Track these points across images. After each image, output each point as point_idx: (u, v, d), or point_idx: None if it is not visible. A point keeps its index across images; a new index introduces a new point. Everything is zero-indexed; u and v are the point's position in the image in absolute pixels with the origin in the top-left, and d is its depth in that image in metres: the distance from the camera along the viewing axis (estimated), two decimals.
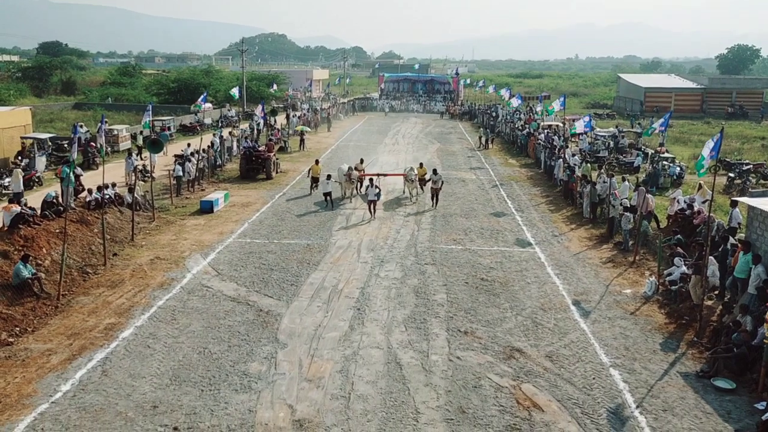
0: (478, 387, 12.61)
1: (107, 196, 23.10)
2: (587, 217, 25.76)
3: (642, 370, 13.42)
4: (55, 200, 21.56)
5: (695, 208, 21.18)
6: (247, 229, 23.69)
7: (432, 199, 27.92)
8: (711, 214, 17.51)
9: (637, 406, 12.03)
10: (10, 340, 14.16)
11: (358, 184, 29.51)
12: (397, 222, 25.21)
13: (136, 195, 24.42)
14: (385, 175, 30.86)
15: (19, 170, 27.20)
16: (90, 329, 14.85)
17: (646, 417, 11.68)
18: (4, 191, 26.41)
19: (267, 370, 13.13)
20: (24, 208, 19.62)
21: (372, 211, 25.62)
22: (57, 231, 19.24)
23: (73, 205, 22.02)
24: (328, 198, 27.26)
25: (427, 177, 29.05)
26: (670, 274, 17.52)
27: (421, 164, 30.91)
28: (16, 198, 21.37)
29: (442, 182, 28.66)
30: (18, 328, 14.69)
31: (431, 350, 14.14)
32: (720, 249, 17.42)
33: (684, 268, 17.10)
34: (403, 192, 30.20)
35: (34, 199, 22.77)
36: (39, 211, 20.66)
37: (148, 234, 22.82)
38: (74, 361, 13.27)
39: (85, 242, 20.01)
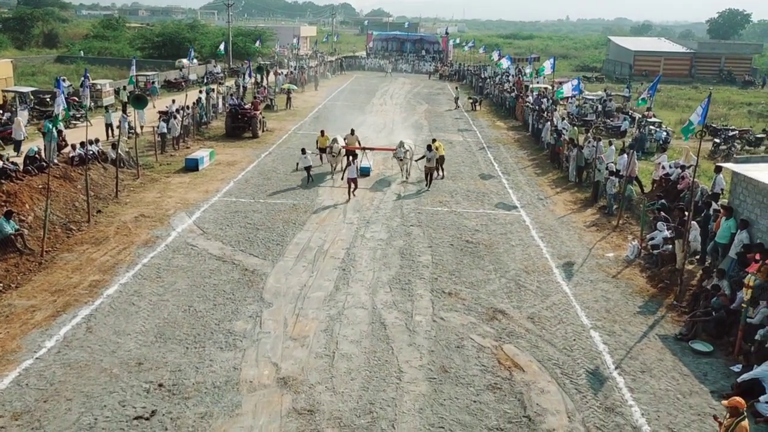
0: (461, 347, 12.78)
1: (91, 152, 22.83)
2: (573, 180, 25.86)
3: (622, 332, 13.66)
4: (37, 155, 21.27)
5: (682, 173, 21.29)
6: (233, 188, 23.57)
7: (426, 178, 24.84)
8: (695, 180, 17.64)
9: (616, 367, 12.27)
10: None
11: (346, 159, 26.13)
12: (383, 183, 25.17)
13: (119, 151, 24.15)
14: (371, 149, 27.19)
15: (20, 118, 27.13)
16: (74, 286, 14.82)
17: (624, 378, 11.92)
18: None
19: (252, 328, 13.22)
20: (6, 162, 19.35)
21: (350, 191, 22.78)
22: (40, 187, 19.03)
23: (56, 161, 21.75)
24: (309, 173, 24.98)
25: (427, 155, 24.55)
26: (652, 239, 17.70)
27: (434, 140, 26.73)
28: (16, 147, 21.31)
29: (442, 165, 25.91)
30: (1, 285, 14.63)
31: (415, 311, 14.28)
32: (702, 214, 17.59)
33: (666, 233, 17.29)
34: (402, 173, 26.08)
35: (16, 156, 22.45)
36: (21, 167, 20.40)
37: (133, 191, 22.65)
38: (59, 318, 13.28)
39: (68, 198, 19.83)
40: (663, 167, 23.08)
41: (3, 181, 18.50)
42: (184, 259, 16.70)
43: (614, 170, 22.21)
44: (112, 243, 17.58)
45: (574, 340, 13.27)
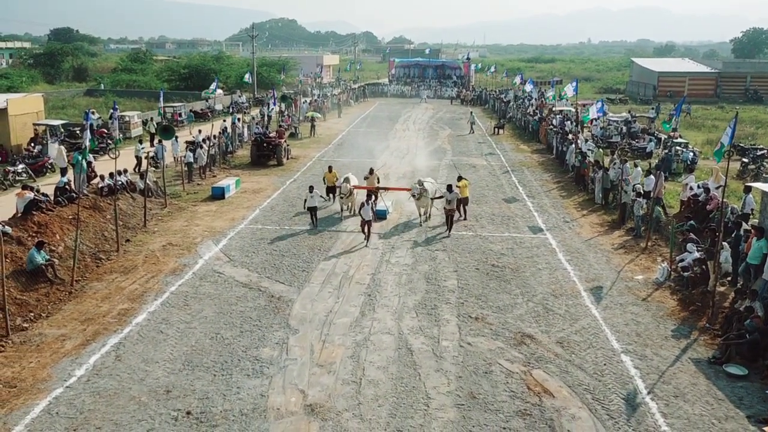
0: (489, 373, 12.64)
1: (119, 183, 23.21)
2: (599, 203, 25.63)
3: (653, 356, 13.39)
4: (67, 186, 21.69)
5: (710, 193, 20.99)
6: (259, 216, 23.76)
7: (447, 222, 21.99)
8: (724, 200, 17.37)
9: (649, 392, 12.02)
10: (25, 325, 14.32)
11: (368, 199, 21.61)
12: (407, 208, 25.18)
13: (147, 181, 24.53)
14: (385, 189, 24.55)
15: (63, 147, 28.08)
16: (103, 315, 14.99)
17: (657, 403, 11.67)
18: (17, 178, 26.61)
19: (279, 355, 13.22)
20: (37, 194, 19.75)
21: (366, 233, 20.52)
22: (70, 217, 19.37)
23: (85, 192, 22.14)
24: (314, 215, 22.37)
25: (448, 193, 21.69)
26: (682, 260, 17.41)
27: (459, 177, 24.30)
28: (62, 173, 21.93)
29: (464, 207, 23.39)
30: (32, 314, 14.85)
31: (442, 336, 14.18)
32: (733, 235, 17.28)
33: (697, 254, 17.01)
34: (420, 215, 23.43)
35: (47, 186, 22.92)
36: (52, 198, 20.80)
37: (161, 220, 22.94)
38: (88, 346, 13.41)
39: (98, 228, 20.14)
40: (691, 188, 22.79)
41: (34, 212, 18.85)
42: (211, 286, 16.81)
43: (640, 191, 22.00)
44: (141, 272, 17.77)
45: (605, 364, 13.05)
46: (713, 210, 20.35)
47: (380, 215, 23.11)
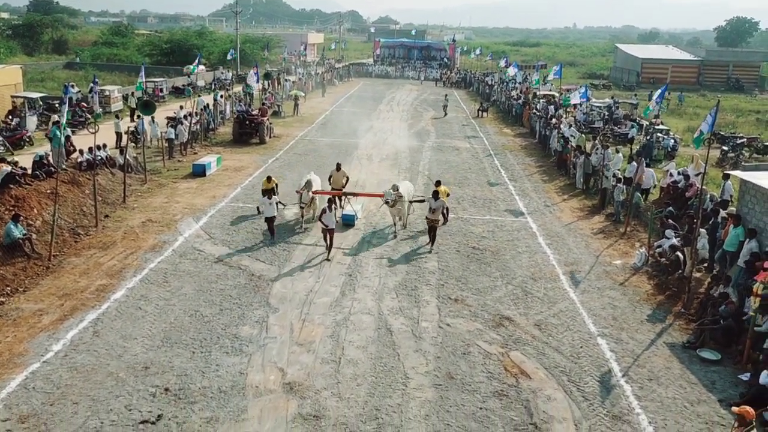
0: (467, 354, 12.74)
1: (99, 158, 22.93)
2: (580, 187, 25.80)
3: (629, 340, 13.58)
4: (45, 160, 21.38)
5: (688, 182, 21.22)
6: (240, 194, 23.62)
7: (429, 234, 18.80)
8: (703, 187, 17.56)
9: (623, 375, 12.21)
10: (1, 299, 14.17)
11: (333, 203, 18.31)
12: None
13: (127, 157, 24.25)
14: (354, 194, 21.03)
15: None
16: (81, 290, 14.87)
17: (631, 386, 11.86)
18: None
19: (258, 333, 13.22)
20: (14, 167, 19.46)
21: (327, 242, 17.56)
22: (48, 191, 19.12)
23: (64, 166, 21.85)
24: (271, 226, 18.82)
25: (426, 199, 19.57)
26: (660, 246, 17.63)
27: (438, 182, 20.44)
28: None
29: (445, 211, 20.24)
30: (9, 288, 14.69)
31: (421, 317, 14.25)
32: (710, 222, 17.51)
33: (674, 240, 17.21)
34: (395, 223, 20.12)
35: (25, 159, 22.57)
36: (30, 171, 20.51)
37: (140, 196, 22.72)
38: (65, 322, 13.31)
39: (76, 203, 19.92)
40: (671, 174, 23.01)
41: (11, 185, 18.58)
42: (191, 264, 16.73)
43: (621, 177, 22.16)
44: (120, 248, 17.63)
45: (581, 347, 13.21)
46: (692, 197, 20.57)
47: (346, 221, 20.31)
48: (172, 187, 24.15)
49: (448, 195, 20.48)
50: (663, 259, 17.03)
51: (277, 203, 19.01)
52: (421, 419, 10.60)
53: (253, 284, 15.61)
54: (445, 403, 11.07)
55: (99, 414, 10.33)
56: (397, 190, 19.20)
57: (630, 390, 11.72)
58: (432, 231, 18.64)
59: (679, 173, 22.71)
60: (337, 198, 20.24)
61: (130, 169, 24.21)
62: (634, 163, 22.26)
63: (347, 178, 21.64)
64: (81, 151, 23.57)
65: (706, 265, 17.13)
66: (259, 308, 14.38)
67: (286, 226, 19.96)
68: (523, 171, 29.64)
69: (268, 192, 19.53)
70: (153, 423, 10.18)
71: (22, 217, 16.85)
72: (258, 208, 19.02)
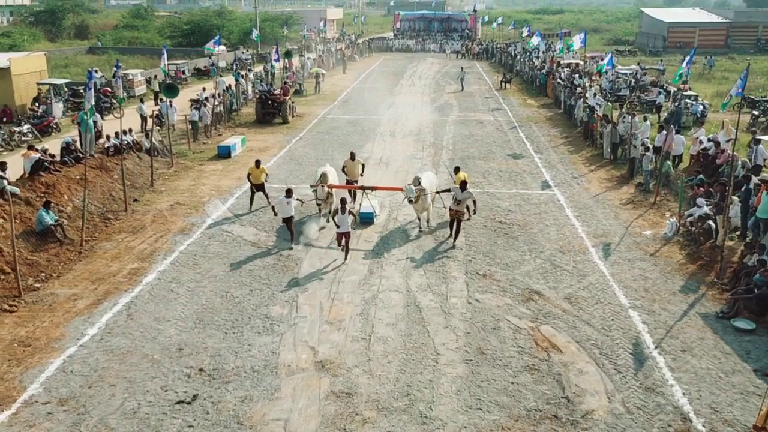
0: (497, 329, 12.73)
1: (125, 142, 23.13)
2: (607, 157, 25.44)
3: (661, 311, 13.45)
4: (72, 146, 21.61)
5: (717, 149, 20.77)
6: None
7: (450, 228, 17.37)
8: (734, 153, 17.19)
9: (656, 347, 12.11)
10: (37, 285, 14.46)
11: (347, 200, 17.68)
12: (414, 165, 25.05)
13: (153, 141, 24.44)
14: (372, 188, 18.89)
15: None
16: (114, 274, 15.11)
17: (664, 357, 11.76)
18: (23, 138, 26.54)
19: (288, 313, 13.34)
20: (43, 154, 19.72)
21: (344, 247, 15.82)
22: (77, 177, 19.37)
23: (92, 152, 22.09)
24: (291, 227, 16.85)
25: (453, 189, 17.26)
26: (691, 215, 17.35)
27: (457, 168, 19.32)
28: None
29: (473, 204, 17.88)
30: (43, 274, 14.98)
31: (450, 293, 14.25)
32: (743, 189, 17.16)
33: (706, 209, 16.92)
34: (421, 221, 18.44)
35: (53, 145, 22.85)
36: (58, 158, 20.77)
37: (167, 180, 22.93)
38: (100, 306, 13.56)
39: (105, 188, 20.17)
40: (700, 141, 22.56)
41: (41, 173, 18.85)
42: (220, 245, 16.88)
43: (649, 146, 21.79)
44: (149, 231, 17.85)
45: (613, 320, 13.12)
46: (723, 164, 20.17)
47: (365, 218, 18.43)
48: (198, 170, 24.31)
49: (467, 182, 17.82)
50: (694, 229, 16.77)
51: (297, 200, 16.98)
52: (453, 395, 10.65)
53: (282, 264, 15.71)
54: (476, 379, 11.10)
55: (136, 395, 10.55)
56: (419, 183, 17.28)
57: (663, 362, 11.63)
58: (456, 224, 17.01)
59: (708, 140, 22.25)
60: (352, 193, 19.40)
61: (156, 153, 24.40)
62: (663, 131, 21.86)
63: (363, 167, 20.02)
64: (108, 137, 23.79)
65: (738, 233, 16.82)
66: (289, 288, 14.48)
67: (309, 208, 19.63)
68: (548, 142, 29.29)
69: (259, 184, 19.01)
70: (189, 403, 10.36)
71: (52, 204, 17.10)
72: (273, 208, 17.09)
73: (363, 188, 18.85)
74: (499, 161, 25.80)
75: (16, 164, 19.47)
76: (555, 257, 16.23)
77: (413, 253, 16.45)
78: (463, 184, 16.93)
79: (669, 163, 21.39)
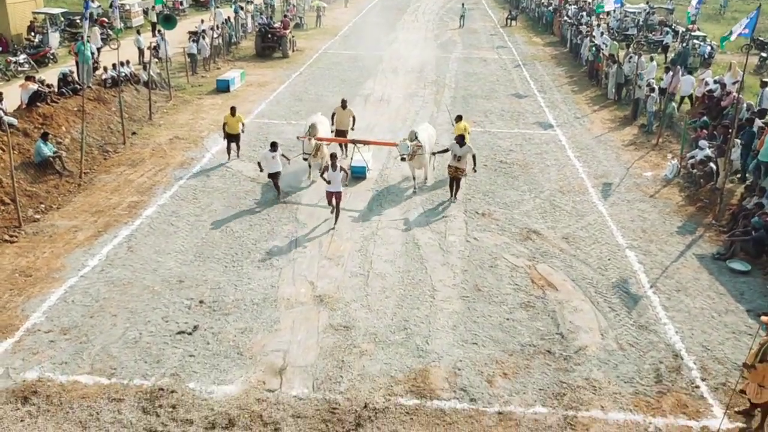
0: (494, 267, 12.84)
1: (123, 74, 22.78)
2: (612, 98, 25.15)
3: (658, 252, 13.54)
4: (69, 78, 21.28)
5: (723, 90, 20.49)
6: (265, 110, 23.46)
7: (451, 187, 15.99)
8: (740, 95, 16.99)
9: (651, 287, 12.24)
10: (37, 216, 14.50)
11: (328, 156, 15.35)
12: (416, 103, 24.78)
13: (151, 73, 24.07)
14: (363, 143, 17.42)
15: (96, 27, 27.50)
16: (113, 207, 15.13)
17: (659, 297, 11.90)
18: (19, 68, 26.13)
19: (288, 248, 13.42)
20: (41, 85, 19.44)
21: (334, 208, 14.39)
22: (75, 109, 19.16)
23: (89, 84, 21.78)
24: (277, 183, 15.67)
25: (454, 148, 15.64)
26: (692, 157, 17.26)
27: (459, 117, 17.64)
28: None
29: (473, 160, 15.96)
30: (43, 205, 15.00)
31: (448, 231, 14.30)
32: (746, 131, 17.01)
33: (708, 151, 16.83)
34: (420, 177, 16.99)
35: (50, 76, 22.51)
36: (56, 89, 20.49)
37: (166, 113, 22.71)
38: (100, 238, 13.63)
39: (103, 121, 19.98)
40: (706, 83, 22.24)
41: (39, 104, 18.63)
42: (220, 180, 16.85)
43: (654, 87, 21.49)
44: (148, 165, 17.78)
45: (609, 259, 13.21)
46: (728, 106, 19.94)
47: (357, 173, 16.99)
48: (197, 104, 24.05)
49: (469, 133, 17.29)
50: (695, 171, 16.72)
51: (282, 156, 15.65)
52: (449, 329, 10.81)
53: (281, 200, 15.71)
54: (472, 315, 11.25)
55: (137, 326, 10.71)
56: (416, 138, 15.77)
57: (657, 301, 11.78)
58: (455, 182, 15.74)
59: (715, 82, 21.93)
60: (343, 146, 18.19)
61: (154, 86, 24.07)
62: (670, 72, 21.53)
63: (354, 118, 18.20)
64: (105, 68, 23.41)
65: (739, 176, 16.78)
66: (288, 224, 14.52)
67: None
68: (552, 82, 28.88)
69: (234, 134, 17.77)
70: (189, 334, 10.53)
71: (50, 135, 16.98)
72: (259, 163, 15.57)
73: (354, 142, 17.42)
74: (502, 100, 25.50)
75: (13, 95, 19.21)
76: (554, 197, 16.23)
77: (411, 199, 16.42)
78: (461, 139, 15.47)
79: (674, 104, 21.16)
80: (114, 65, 22.60)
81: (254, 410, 8.88)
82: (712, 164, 16.25)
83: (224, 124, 17.77)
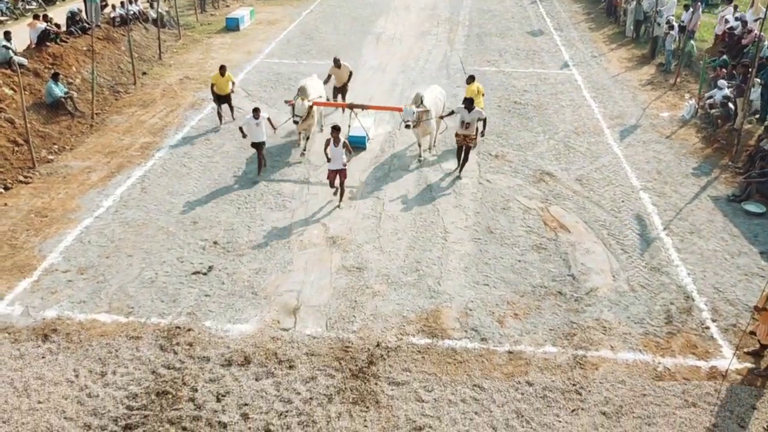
0: (507, 209, 12.81)
1: (131, 12, 22.44)
2: (630, 36, 24.54)
3: (672, 194, 13.44)
4: (78, 17, 20.98)
5: (747, 26, 19.89)
6: (275, 49, 23.11)
7: (458, 155, 14.22)
8: (761, 33, 16.50)
9: (664, 228, 12.20)
10: (50, 157, 14.55)
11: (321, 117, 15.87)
12: (429, 42, 24.30)
13: (160, 11, 23.69)
14: (362, 107, 15.48)
15: None
16: (126, 148, 15.14)
17: (672, 239, 11.87)
18: (27, 7, 25.77)
19: (300, 190, 13.43)
20: (50, 24, 19.20)
21: (338, 189, 12.84)
22: (84, 49, 18.96)
23: (98, 22, 21.47)
24: (261, 155, 13.97)
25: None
26: (711, 97, 16.92)
27: (471, 78, 15.59)
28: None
29: (482, 124, 14.91)
30: (56, 146, 15.03)
31: (463, 174, 14.21)
32: (766, 70, 16.59)
33: (726, 91, 16.47)
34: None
35: (58, 15, 22.19)
36: (64, 28, 20.23)
37: (176, 53, 22.44)
38: (113, 178, 13.69)
39: (113, 60, 19.79)
40: (726, 21, 21.58)
41: (48, 43, 18.43)
42: (231, 121, 16.74)
43: (673, 24, 20.91)
44: (160, 105, 17.68)
45: (623, 201, 13.14)
46: (749, 44, 19.40)
47: (356, 143, 14.87)
48: (207, 43, 23.73)
49: (483, 95, 15.47)
50: (713, 111, 16.42)
51: (267, 119, 13.97)
52: (461, 271, 10.88)
53: (294, 141, 15.64)
54: (483, 256, 11.30)
55: (153, 266, 10.85)
56: (421, 103, 14.16)
57: (670, 243, 11.75)
58: (464, 151, 14.07)
59: (736, 19, 21.27)
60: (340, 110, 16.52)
61: (163, 24, 23.73)
62: (690, 9, 20.90)
63: (350, 74, 16.91)
64: (113, 6, 23.04)
65: (758, 116, 16.46)
66: (300, 165, 14.49)
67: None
68: (569, 19, 28.17)
69: (224, 95, 16.07)
70: (205, 274, 10.67)
71: (61, 76, 16.86)
72: (241, 128, 13.92)
73: (352, 107, 15.42)
74: (517, 38, 24.95)
75: (22, 34, 19.00)
76: (569, 138, 16.04)
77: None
78: (469, 103, 13.69)
79: (693, 42, 20.62)
80: (122, 3, 22.26)
81: (269, 348, 9.07)
82: (730, 104, 15.94)
83: (212, 85, 16.13)
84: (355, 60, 21.71)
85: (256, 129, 13.66)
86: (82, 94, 17.30)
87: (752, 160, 14.03)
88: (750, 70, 15.41)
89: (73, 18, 20.73)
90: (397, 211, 12.68)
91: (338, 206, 12.85)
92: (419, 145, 15.07)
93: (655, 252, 11.48)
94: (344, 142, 12.51)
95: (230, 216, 12.38)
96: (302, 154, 14.91)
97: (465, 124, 13.63)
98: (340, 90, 16.90)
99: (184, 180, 13.73)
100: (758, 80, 16.05)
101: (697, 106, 17.15)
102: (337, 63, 16.55)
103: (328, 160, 12.64)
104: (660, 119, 17.22)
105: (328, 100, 16.24)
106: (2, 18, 23.62)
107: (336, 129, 12.52)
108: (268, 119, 13.97)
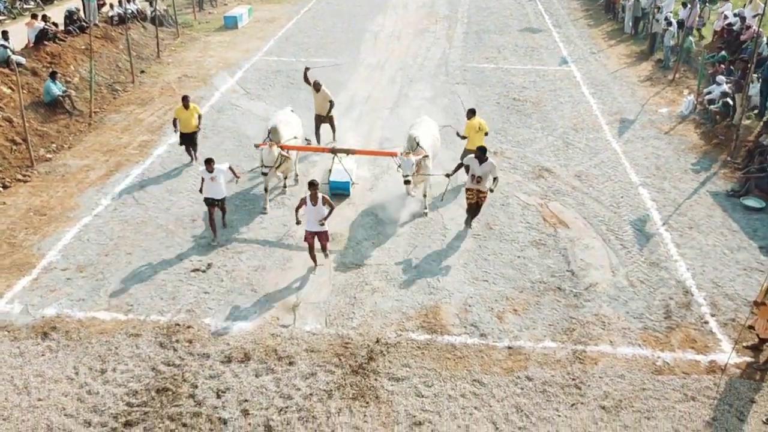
0: (506, 205, 12.81)
1: (129, 11, 22.41)
2: (628, 32, 24.53)
3: (671, 189, 13.44)
4: (76, 15, 20.95)
5: (746, 22, 19.88)
6: (273, 47, 23.09)
7: (468, 212, 11.86)
8: (760, 29, 16.50)
9: (663, 224, 12.20)
10: (48, 156, 14.53)
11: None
12: (427, 39, 24.28)
13: (157, 9, 23.67)
14: (347, 152, 12.97)
15: None
16: (124, 146, 15.12)
17: (671, 234, 11.87)
18: (25, 6, 25.74)
19: (299, 187, 13.40)
20: (47, 23, 19.18)
21: (314, 256, 10.71)
22: (82, 47, 18.94)
23: (96, 21, 21.46)
24: (213, 216, 11.38)
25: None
26: (709, 93, 16.92)
27: (472, 111, 13.09)
28: None
29: (494, 179, 11.42)
30: (54, 145, 15.02)
31: (460, 173, 14.15)
32: (765, 66, 16.59)
33: (725, 87, 16.47)
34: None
35: (56, 14, 22.17)
36: (62, 27, 20.20)
37: (174, 51, 22.42)
38: (112, 177, 13.68)
39: (111, 59, 19.76)
40: (725, 17, 21.58)
41: (46, 42, 18.41)
42: (229, 119, 16.74)
43: (672, 20, 20.90)
44: (158, 104, 17.67)
45: (622, 197, 13.14)
46: (747, 40, 19.39)
47: (338, 189, 12.98)
48: (205, 41, 23.70)
49: (486, 133, 13.11)
50: (712, 107, 16.41)
51: (229, 169, 11.51)
52: (460, 267, 10.88)
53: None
54: (483, 252, 11.30)
55: (152, 263, 10.84)
56: (417, 145, 11.89)
57: (669, 238, 11.75)
58: (473, 207, 11.71)
59: (735, 15, 21.28)
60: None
61: (161, 23, 23.70)
62: (688, 5, 20.90)
63: (331, 104, 14.48)
64: (111, 5, 23.04)
65: (757, 112, 16.46)
66: (299, 164, 14.43)
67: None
68: (568, 16, 28.15)
69: (188, 132, 13.62)
70: (204, 271, 10.66)
71: (59, 74, 16.83)
72: (202, 179, 11.21)
73: (334, 151, 13.00)
74: (515, 35, 24.93)
75: (20, 33, 18.97)
76: (567, 135, 16.04)
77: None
78: (481, 153, 11.27)
79: (692, 38, 20.62)
80: (120, 1, 22.22)
81: (269, 344, 9.07)
82: (729, 99, 15.93)
83: (174, 120, 13.78)
84: (354, 56, 21.72)
85: (210, 184, 11.10)
86: (80, 93, 17.28)
87: (751, 155, 14.03)
88: (749, 65, 15.41)
89: (71, 17, 20.72)
90: (396, 209, 12.63)
91: (313, 271, 10.67)
92: (411, 195, 12.75)
93: (654, 247, 11.48)
94: (324, 197, 10.34)
95: (229, 214, 12.34)
96: (264, 209, 12.43)
97: (476, 178, 11.31)
98: (325, 120, 14.61)
99: (182, 178, 13.72)
100: (757, 76, 16.04)
101: (695, 102, 17.15)
102: (317, 86, 14.32)
103: (298, 222, 10.67)
104: (659, 115, 17.22)
105: (307, 142, 14.03)
106: (0, 17, 23.58)
107: (313, 185, 10.29)
108: (230, 168, 11.54)
